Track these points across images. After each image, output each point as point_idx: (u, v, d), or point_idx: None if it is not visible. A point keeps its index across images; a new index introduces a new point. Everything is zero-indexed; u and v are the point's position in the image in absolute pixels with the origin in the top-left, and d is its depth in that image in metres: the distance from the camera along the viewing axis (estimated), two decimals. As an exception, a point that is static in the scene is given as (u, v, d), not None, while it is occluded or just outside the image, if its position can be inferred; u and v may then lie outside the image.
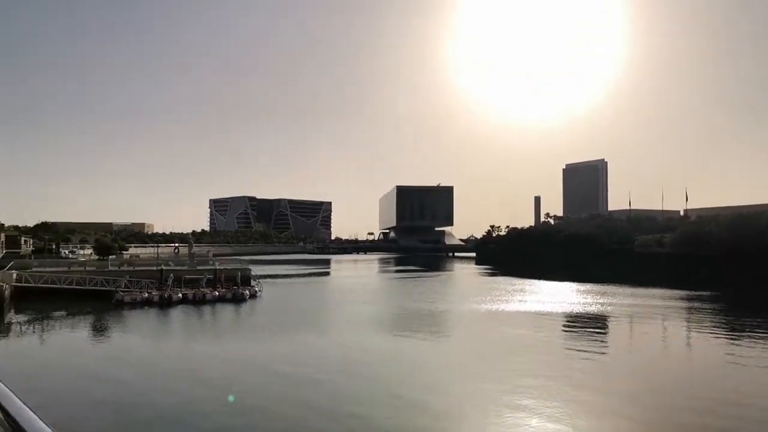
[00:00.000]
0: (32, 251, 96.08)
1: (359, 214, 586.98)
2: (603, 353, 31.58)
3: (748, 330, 38.54)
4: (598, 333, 38.74)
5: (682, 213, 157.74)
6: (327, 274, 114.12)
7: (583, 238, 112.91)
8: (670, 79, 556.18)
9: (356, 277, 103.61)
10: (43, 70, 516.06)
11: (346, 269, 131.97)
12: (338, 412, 19.52)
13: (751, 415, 19.81)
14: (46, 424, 1.34)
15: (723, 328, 39.55)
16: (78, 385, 23.37)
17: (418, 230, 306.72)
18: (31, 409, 1.39)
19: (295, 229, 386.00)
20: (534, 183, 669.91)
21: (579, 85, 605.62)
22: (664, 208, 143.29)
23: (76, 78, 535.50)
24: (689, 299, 57.05)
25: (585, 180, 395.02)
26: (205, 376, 24.71)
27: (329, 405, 20.28)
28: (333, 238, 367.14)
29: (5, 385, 1.52)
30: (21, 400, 1.41)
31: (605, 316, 46.11)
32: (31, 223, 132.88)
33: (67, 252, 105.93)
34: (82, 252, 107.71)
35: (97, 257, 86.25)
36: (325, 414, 19.26)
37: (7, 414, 1.32)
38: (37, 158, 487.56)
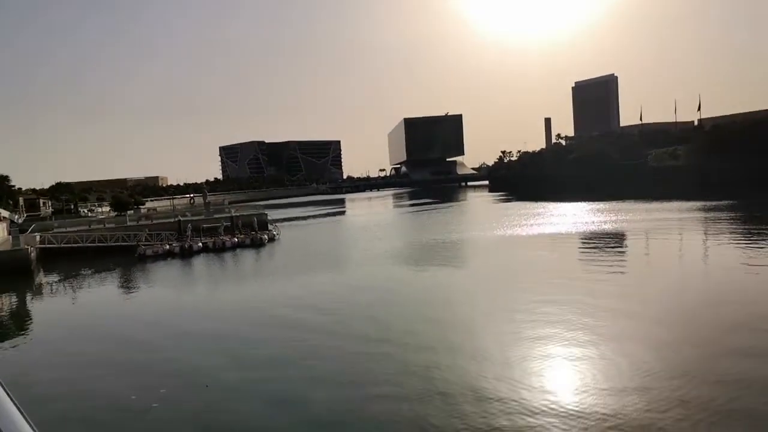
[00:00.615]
0: (52, 212, 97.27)
1: (369, 152, 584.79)
2: (621, 271, 31.98)
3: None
4: (613, 250, 39.07)
5: (696, 123, 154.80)
6: (342, 213, 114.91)
7: (595, 156, 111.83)
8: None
9: (371, 214, 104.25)
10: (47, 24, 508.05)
11: (360, 207, 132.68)
12: (373, 336, 20.24)
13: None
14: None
15: (741, 235, 39.65)
16: (124, 346, 24.22)
17: (429, 162, 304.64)
18: (23, 414, 1.27)
19: (306, 171, 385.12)
20: (544, 105, 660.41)
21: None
22: (678, 119, 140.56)
23: (82, 34, 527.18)
24: (705, 210, 56.90)
25: (595, 97, 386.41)
26: (242, 320, 25.56)
27: (366, 332, 20.99)
28: (345, 177, 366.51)
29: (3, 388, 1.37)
30: (16, 404, 1.29)
31: (620, 233, 46.31)
32: (47, 185, 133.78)
33: (85, 211, 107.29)
34: (100, 210, 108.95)
35: (115, 213, 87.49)
36: (359, 339, 19.94)
37: None
38: (46, 120, 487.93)
